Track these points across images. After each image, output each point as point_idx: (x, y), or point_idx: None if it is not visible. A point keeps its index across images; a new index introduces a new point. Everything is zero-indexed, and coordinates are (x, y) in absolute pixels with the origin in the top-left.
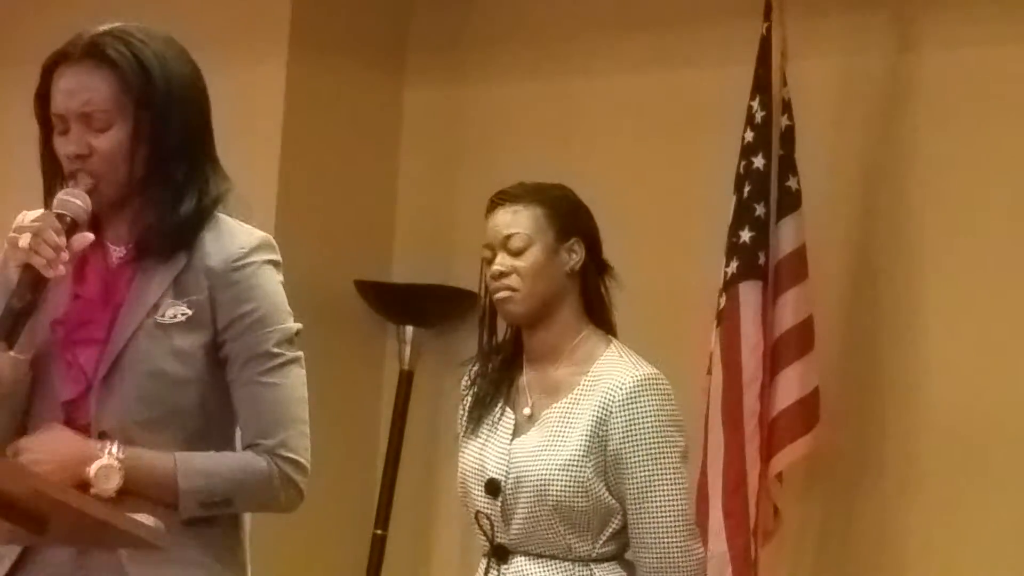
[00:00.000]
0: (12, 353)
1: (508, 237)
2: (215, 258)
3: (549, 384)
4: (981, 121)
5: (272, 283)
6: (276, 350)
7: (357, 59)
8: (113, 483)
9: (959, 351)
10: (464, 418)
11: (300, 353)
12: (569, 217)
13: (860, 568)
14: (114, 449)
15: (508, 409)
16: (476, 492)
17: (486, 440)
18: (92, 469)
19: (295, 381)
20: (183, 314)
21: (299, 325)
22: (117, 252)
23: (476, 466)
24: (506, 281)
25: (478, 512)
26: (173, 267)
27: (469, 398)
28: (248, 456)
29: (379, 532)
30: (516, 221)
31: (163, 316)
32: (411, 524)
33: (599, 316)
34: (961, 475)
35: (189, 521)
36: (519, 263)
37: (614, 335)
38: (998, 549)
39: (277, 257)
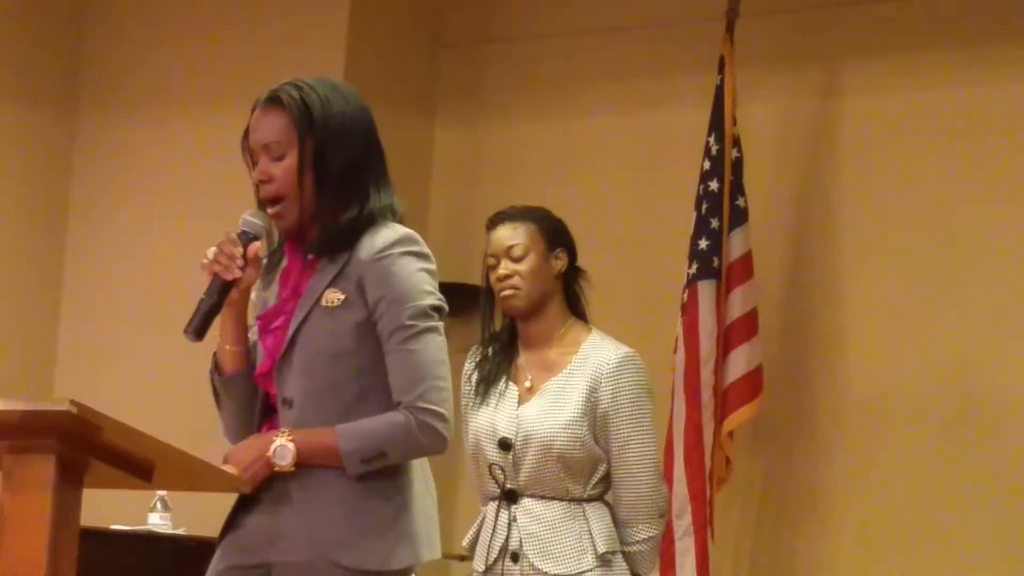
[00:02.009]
0: (228, 347)
1: (510, 247)
2: (363, 253)
3: (544, 363)
4: (891, 153)
5: (407, 269)
6: (411, 322)
7: (399, 106)
8: (288, 459)
9: (873, 336)
10: (471, 392)
11: (437, 323)
12: (555, 232)
13: (795, 508)
14: (286, 432)
15: (511, 383)
16: (489, 449)
17: (495, 408)
18: (271, 449)
19: (430, 346)
20: (339, 299)
21: (436, 301)
22: (306, 260)
23: (488, 428)
24: (510, 282)
25: (491, 464)
26: (338, 263)
27: (475, 376)
28: (390, 414)
29: None
30: (516, 235)
31: (326, 302)
32: (440, 472)
33: (577, 309)
34: (875, 434)
35: (359, 477)
36: (520, 267)
37: (587, 322)
38: (904, 493)
39: (417, 248)
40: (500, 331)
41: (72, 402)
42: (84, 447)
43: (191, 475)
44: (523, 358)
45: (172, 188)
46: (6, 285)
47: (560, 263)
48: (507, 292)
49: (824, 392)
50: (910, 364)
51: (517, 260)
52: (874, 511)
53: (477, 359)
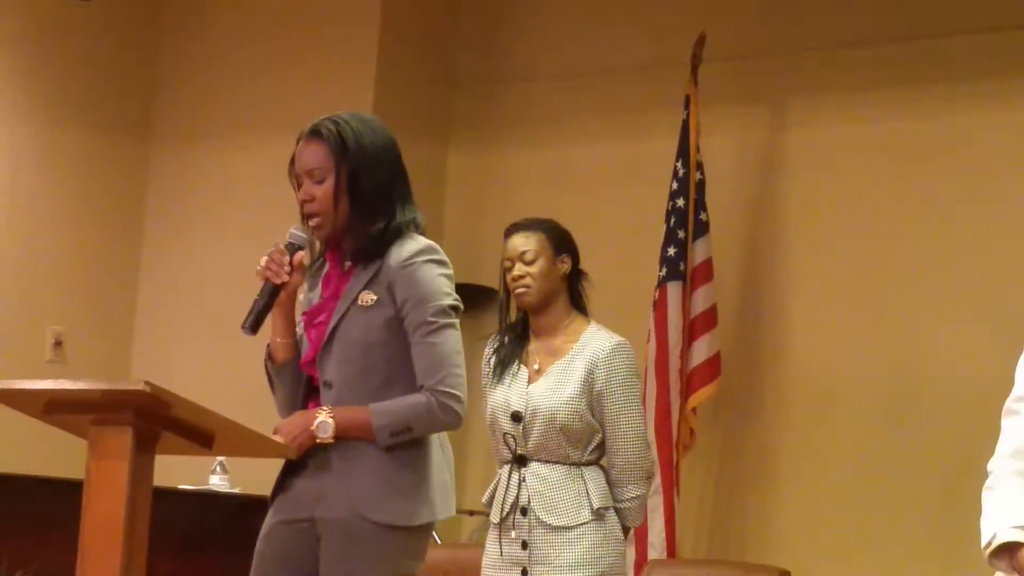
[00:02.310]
0: (278, 339)
1: (523, 252)
2: (393, 260)
3: (551, 349)
4: (828, 176)
5: (430, 275)
6: (432, 319)
7: (418, 136)
8: (329, 432)
9: (815, 329)
10: (489, 373)
11: (454, 320)
12: (561, 240)
13: (749, 472)
14: (327, 410)
15: (522, 366)
16: (503, 420)
17: (508, 386)
18: (315, 424)
19: (448, 339)
20: (372, 299)
21: (454, 301)
22: (346, 265)
23: (503, 403)
24: (523, 282)
25: (505, 433)
26: (371, 270)
27: (493, 360)
28: (414, 395)
29: None
30: (528, 242)
31: (361, 302)
32: (454, 443)
33: (579, 304)
34: (817, 410)
35: (388, 448)
36: (531, 270)
37: (587, 316)
38: (843, 461)
39: (438, 257)
40: (515, 322)
41: (146, 383)
42: (156, 420)
43: (246, 443)
44: (533, 345)
45: (229, 204)
46: (93, 288)
47: (565, 266)
48: (520, 290)
49: (773, 375)
50: (847, 352)
51: (529, 263)
52: (817, 475)
53: (495, 345)
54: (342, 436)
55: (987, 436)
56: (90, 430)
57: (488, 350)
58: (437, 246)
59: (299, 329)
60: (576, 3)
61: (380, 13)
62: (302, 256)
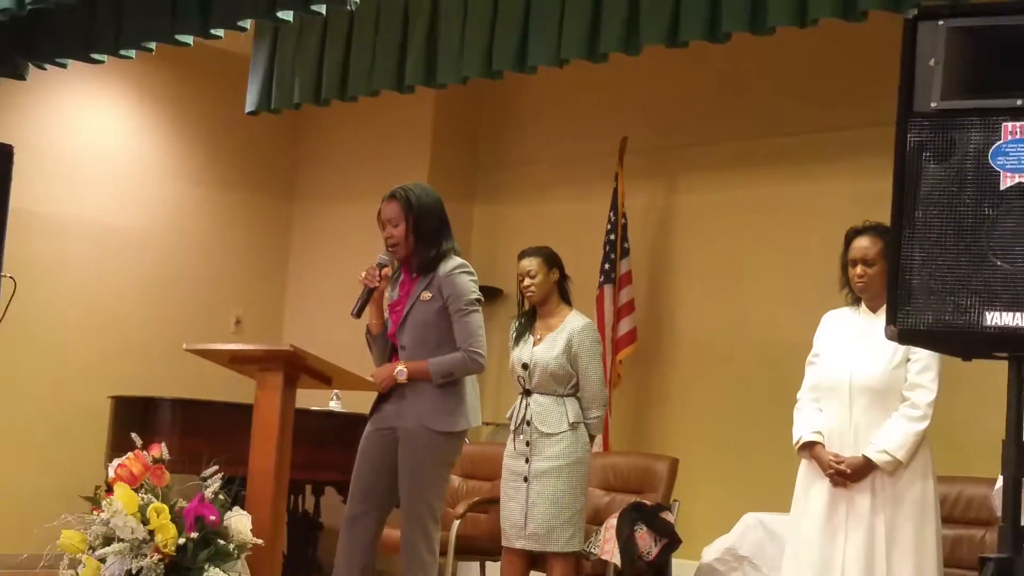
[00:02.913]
0: (373, 321)
1: (529, 270)
2: (442, 272)
3: (547, 326)
4: (704, 221)
5: (463, 280)
6: (465, 307)
7: (455, 194)
8: (404, 376)
9: (694, 311)
10: (512, 341)
11: (478, 308)
12: (552, 260)
13: (654, 398)
14: (403, 363)
15: (530, 336)
16: (519, 368)
17: (521, 348)
18: (395, 371)
19: (474, 319)
20: (429, 296)
21: (478, 296)
22: (412, 276)
23: (518, 358)
24: (530, 288)
25: (519, 376)
26: (428, 278)
27: (514, 333)
28: (455, 354)
29: None
30: (531, 263)
31: (422, 298)
32: (487, 382)
33: (566, 298)
34: (696, 360)
35: (440, 386)
36: (535, 280)
37: (571, 305)
38: (716, 399)
39: (468, 268)
40: (527, 311)
41: (291, 345)
42: (296, 368)
43: (352, 382)
44: (537, 323)
45: (344, 240)
46: (258, 291)
47: (555, 275)
48: (528, 293)
49: (669, 340)
50: (715, 326)
51: (533, 277)
52: (697, 401)
53: (516, 324)
54: (412, 379)
55: (799, 377)
56: (257, 374)
57: (512, 325)
58: (467, 262)
59: (386, 314)
60: (547, 119)
61: (432, 125)
62: (387, 271)
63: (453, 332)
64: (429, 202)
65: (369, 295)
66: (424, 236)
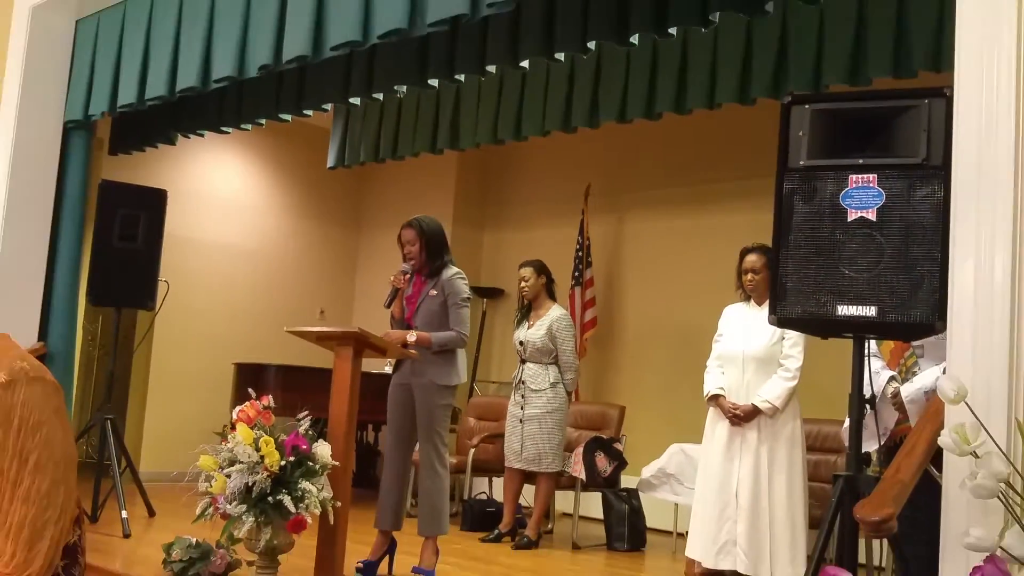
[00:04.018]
0: (395, 310)
1: (525, 276)
2: (444, 277)
3: (537, 316)
4: (649, 241)
5: (459, 284)
6: (459, 302)
7: (471, 225)
8: (413, 338)
9: (638, 305)
10: (515, 325)
11: (467, 304)
12: (543, 268)
13: (609, 366)
14: (414, 332)
15: (526, 322)
16: (517, 345)
17: (519, 331)
18: (407, 337)
19: (464, 311)
20: (434, 293)
21: (468, 295)
22: (422, 279)
23: (518, 338)
24: (526, 289)
25: (517, 350)
26: (434, 280)
27: (517, 319)
28: (451, 332)
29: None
30: (527, 272)
31: (430, 294)
32: (491, 354)
33: (552, 296)
34: (639, 341)
35: (437, 352)
36: (528, 283)
37: (555, 301)
38: (654, 368)
39: (462, 275)
40: (524, 306)
41: (359, 328)
42: (362, 344)
43: (399, 353)
44: (532, 314)
45: (395, 257)
46: (335, 293)
47: (543, 279)
48: (524, 292)
49: (620, 326)
50: (652, 316)
51: (527, 280)
52: (640, 371)
53: (517, 316)
54: (417, 342)
55: (708, 350)
56: (335, 348)
57: (516, 316)
58: (461, 270)
59: (405, 304)
60: (535, 171)
61: (455, 176)
62: (408, 276)
63: (448, 320)
64: (435, 227)
65: (396, 292)
66: (432, 251)
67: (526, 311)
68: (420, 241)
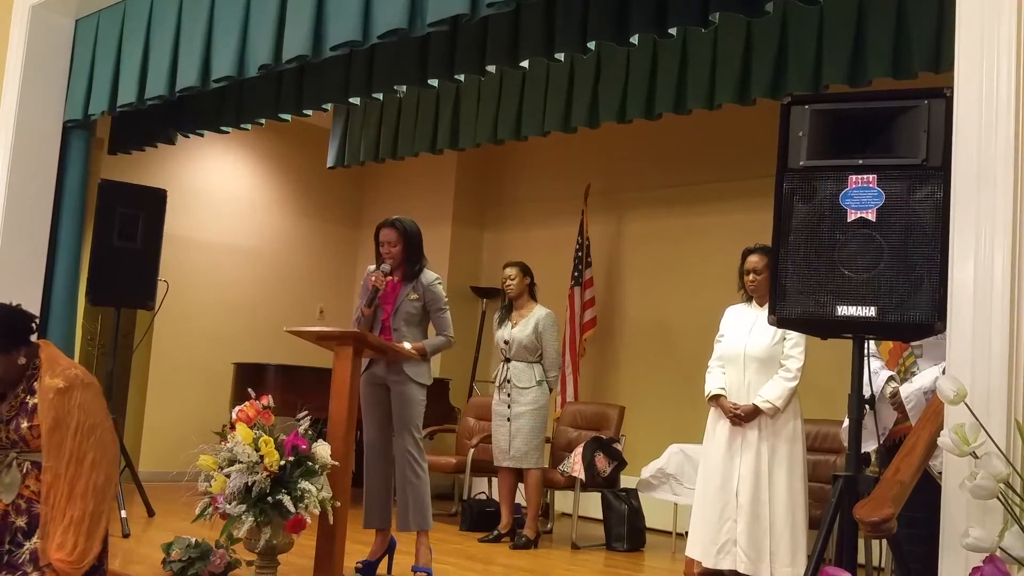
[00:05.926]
0: (367, 309)
1: (510, 275)
2: (423, 281)
3: (520, 315)
4: (645, 241)
5: (439, 289)
6: (442, 307)
7: (471, 225)
8: (410, 350)
9: (637, 305)
10: (496, 324)
11: (448, 307)
12: (526, 270)
13: (608, 365)
14: (410, 345)
15: (509, 321)
16: (501, 344)
17: (502, 330)
18: (408, 348)
19: (448, 315)
20: (413, 296)
21: (446, 299)
22: (397, 280)
23: (501, 336)
24: (510, 288)
25: (501, 348)
26: (412, 283)
27: (497, 318)
28: (440, 337)
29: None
30: (512, 271)
31: (409, 297)
32: (491, 354)
33: (534, 296)
34: (638, 340)
35: (423, 357)
36: (512, 283)
37: (536, 301)
38: (653, 368)
39: (440, 279)
40: (507, 304)
41: (357, 330)
42: (360, 343)
43: (397, 353)
44: (513, 313)
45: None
46: (334, 292)
47: (527, 280)
48: (509, 292)
49: (618, 325)
50: (652, 316)
51: (512, 279)
52: (639, 371)
53: (500, 313)
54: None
55: (709, 350)
56: (334, 348)
57: (497, 315)
58: (438, 275)
59: (380, 304)
60: (534, 172)
61: (455, 176)
62: (388, 277)
63: (428, 319)
64: (415, 230)
65: (376, 293)
66: (411, 253)
67: (507, 310)
68: (402, 242)
